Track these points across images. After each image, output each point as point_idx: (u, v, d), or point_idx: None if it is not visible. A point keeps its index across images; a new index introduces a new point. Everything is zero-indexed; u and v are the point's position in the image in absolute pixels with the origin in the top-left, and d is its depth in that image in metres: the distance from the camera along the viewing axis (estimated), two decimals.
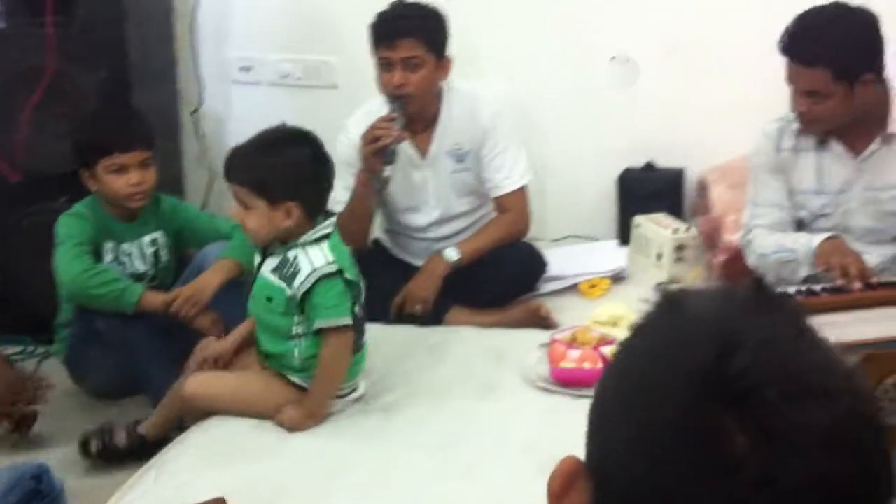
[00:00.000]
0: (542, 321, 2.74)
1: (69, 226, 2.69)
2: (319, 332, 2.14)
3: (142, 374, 2.64)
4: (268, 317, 2.20)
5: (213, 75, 3.55)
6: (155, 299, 2.62)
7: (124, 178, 2.66)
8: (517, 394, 2.33)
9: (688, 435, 0.58)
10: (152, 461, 2.09)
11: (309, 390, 2.19)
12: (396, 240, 3.06)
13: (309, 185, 2.14)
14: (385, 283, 2.73)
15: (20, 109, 3.01)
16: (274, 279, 2.15)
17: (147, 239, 2.82)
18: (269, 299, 2.17)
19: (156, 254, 2.83)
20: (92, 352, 2.72)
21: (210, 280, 2.64)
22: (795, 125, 2.49)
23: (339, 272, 2.13)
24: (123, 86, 3.11)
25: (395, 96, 2.71)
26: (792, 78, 2.38)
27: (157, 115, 3.33)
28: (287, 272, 2.13)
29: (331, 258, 2.13)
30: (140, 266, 2.81)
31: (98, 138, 2.70)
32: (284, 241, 2.15)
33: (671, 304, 0.65)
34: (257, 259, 2.24)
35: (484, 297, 2.81)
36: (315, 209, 2.16)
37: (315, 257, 2.12)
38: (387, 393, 2.33)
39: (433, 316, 2.76)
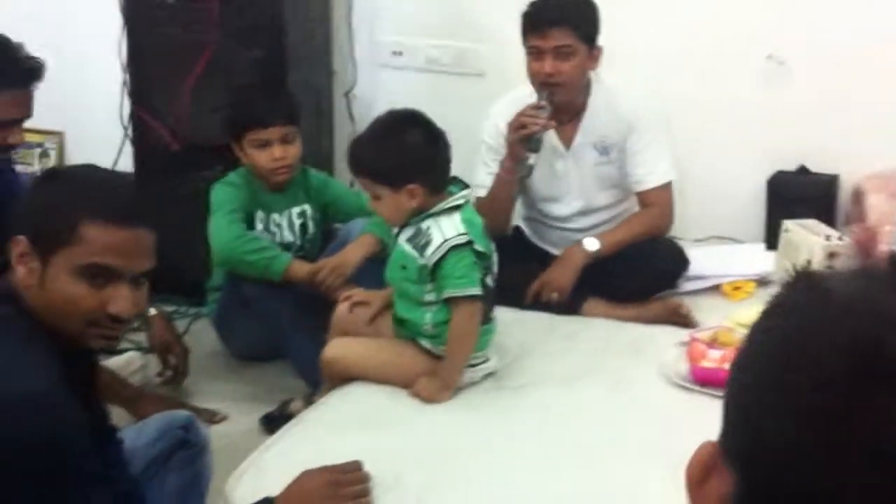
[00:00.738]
0: (682, 319, 2.69)
1: (223, 193, 2.79)
2: (449, 301, 2.18)
3: (284, 341, 2.73)
4: (402, 284, 2.25)
5: (366, 58, 3.61)
6: (301, 269, 2.70)
7: (266, 152, 2.75)
8: (652, 389, 2.30)
9: (843, 415, 0.56)
10: (295, 419, 2.17)
11: (441, 361, 2.22)
12: (536, 228, 3.06)
13: (424, 164, 2.19)
14: (523, 269, 2.73)
15: (183, 82, 3.15)
16: (408, 248, 2.21)
17: (296, 210, 2.91)
18: (404, 267, 2.22)
19: (303, 226, 2.92)
20: (239, 316, 2.82)
21: (353, 253, 2.71)
22: None
23: (469, 243, 2.16)
24: (280, 64, 3.20)
25: (545, 85, 2.70)
26: None
27: (312, 94, 3.43)
28: (420, 242, 2.18)
29: (461, 229, 2.17)
30: (289, 236, 2.90)
31: (241, 114, 2.79)
32: (418, 213, 2.21)
33: (809, 284, 0.63)
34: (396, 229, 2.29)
35: (623, 290, 2.77)
36: (437, 184, 2.20)
37: (446, 228, 2.17)
38: (520, 375, 2.33)
39: (570, 305, 2.74)
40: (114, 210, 1.48)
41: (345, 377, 2.28)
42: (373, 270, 2.67)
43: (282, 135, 2.75)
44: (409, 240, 2.21)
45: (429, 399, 2.18)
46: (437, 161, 2.21)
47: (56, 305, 1.46)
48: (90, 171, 1.64)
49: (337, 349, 2.30)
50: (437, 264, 2.16)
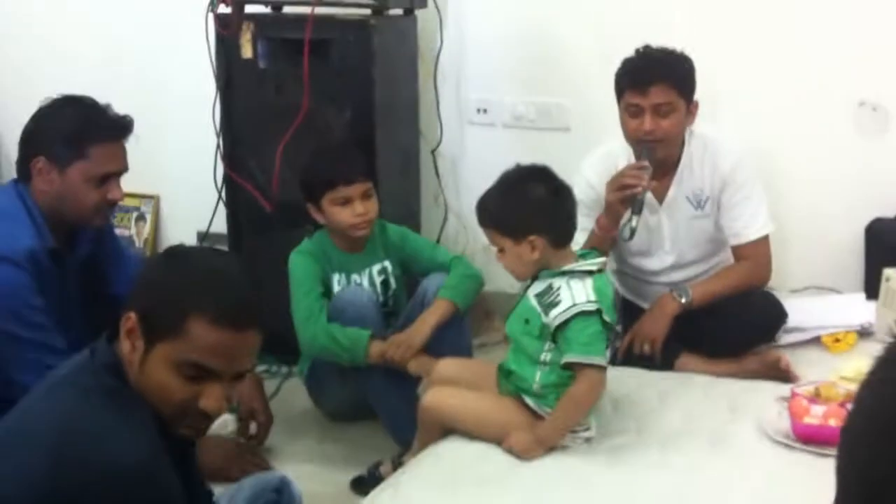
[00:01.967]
0: (781, 374, 2.62)
1: (302, 267, 2.78)
2: (567, 366, 2.15)
3: (376, 399, 2.72)
4: (522, 338, 2.23)
5: (451, 116, 3.65)
6: (375, 350, 2.66)
7: (348, 209, 2.76)
8: (753, 447, 2.23)
9: None
10: (389, 480, 2.16)
11: (544, 418, 2.19)
12: (626, 282, 3.02)
13: (546, 217, 2.20)
14: None
15: (275, 144, 3.21)
16: (534, 303, 2.20)
17: (376, 268, 2.89)
18: (527, 321, 2.21)
19: (385, 282, 2.90)
20: (331, 374, 2.81)
21: (424, 324, 2.68)
22: None
23: (598, 312, 2.14)
24: (369, 125, 3.24)
25: (642, 142, 2.67)
26: None
27: (399, 153, 3.46)
28: (547, 300, 2.17)
29: (592, 297, 2.14)
30: (371, 295, 2.89)
31: (322, 174, 2.79)
32: (548, 268, 2.20)
33: None
34: (526, 282, 2.27)
35: (718, 344, 2.71)
36: (559, 239, 2.21)
37: (577, 292, 2.14)
38: (615, 435, 2.28)
39: (663, 360, 2.69)
40: (225, 312, 1.45)
41: (441, 426, 2.27)
42: (448, 336, 2.66)
43: (363, 191, 2.77)
44: (538, 296, 2.20)
45: (521, 452, 2.15)
46: (558, 214, 2.22)
47: (150, 388, 1.48)
48: (210, 259, 1.59)
49: (436, 397, 2.30)
50: (561, 327, 2.14)
